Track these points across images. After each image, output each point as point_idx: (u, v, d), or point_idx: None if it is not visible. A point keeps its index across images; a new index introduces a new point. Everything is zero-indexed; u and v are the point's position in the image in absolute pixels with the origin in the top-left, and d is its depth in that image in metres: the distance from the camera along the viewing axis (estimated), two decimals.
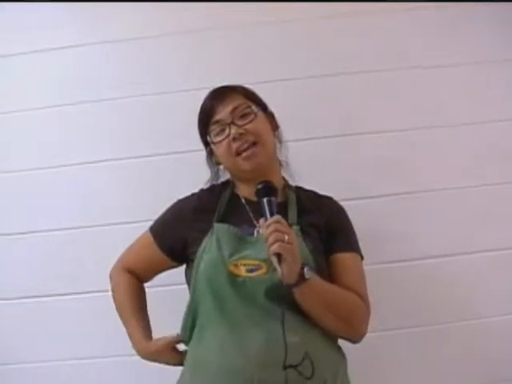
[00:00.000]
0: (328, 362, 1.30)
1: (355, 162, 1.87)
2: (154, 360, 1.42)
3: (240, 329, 1.28)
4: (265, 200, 1.27)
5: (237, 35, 1.93)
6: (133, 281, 1.50)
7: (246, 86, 1.48)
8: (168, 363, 1.41)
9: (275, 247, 1.19)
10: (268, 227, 1.22)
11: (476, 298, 1.82)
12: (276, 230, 1.21)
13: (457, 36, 1.94)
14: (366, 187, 1.85)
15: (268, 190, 1.29)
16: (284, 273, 1.20)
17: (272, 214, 1.25)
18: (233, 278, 1.30)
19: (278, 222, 1.23)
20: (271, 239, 1.20)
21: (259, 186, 1.30)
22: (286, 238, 1.20)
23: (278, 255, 1.19)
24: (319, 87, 1.90)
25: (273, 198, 1.27)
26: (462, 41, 1.94)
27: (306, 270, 1.24)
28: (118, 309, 1.49)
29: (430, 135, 1.88)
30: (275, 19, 1.92)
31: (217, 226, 1.37)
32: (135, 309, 1.47)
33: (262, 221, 1.25)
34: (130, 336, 1.44)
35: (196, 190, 1.50)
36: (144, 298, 1.51)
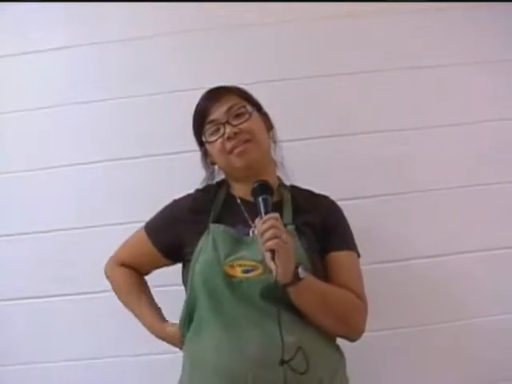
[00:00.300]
0: (325, 361, 1.30)
1: (351, 162, 1.87)
2: (168, 341, 1.44)
3: (236, 329, 1.28)
4: (260, 199, 1.27)
5: (234, 35, 1.92)
6: (130, 271, 1.50)
7: (243, 86, 1.48)
8: (180, 348, 1.42)
9: (271, 243, 1.19)
10: (264, 223, 1.21)
11: (471, 298, 1.81)
12: (273, 227, 1.20)
13: (457, 36, 1.93)
14: (361, 187, 1.85)
15: (264, 188, 1.29)
16: (278, 272, 1.20)
17: (267, 213, 1.24)
18: (229, 278, 1.30)
19: (275, 218, 1.22)
20: (267, 235, 1.20)
21: (255, 185, 1.30)
22: (284, 236, 1.20)
23: (272, 251, 1.19)
24: (317, 87, 1.90)
25: (269, 197, 1.27)
26: (462, 41, 1.93)
27: (300, 269, 1.24)
28: (123, 298, 1.50)
29: (427, 135, 1.87)
30: (272, 19, 1.92)
31: (212, 226, 1.37)
32: (140, 293, 1.49)
33: (257, 220, 1.25)
34: (142, 318, 1.46)
35: (190, 191, 1.50)
36: (146, 283, 1.52)
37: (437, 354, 1.79)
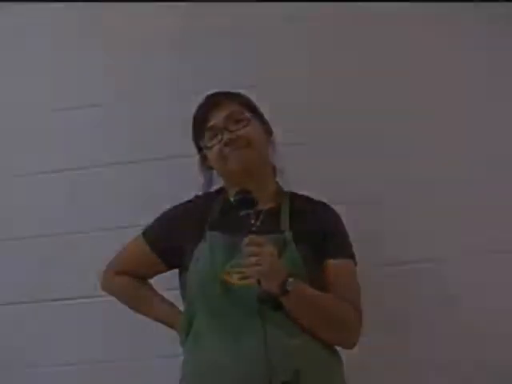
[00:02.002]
0: (322, 364, 1.30)
1: (356, 163, 1.84)
2: None
3: (235, 335, 1.28)
4: (242, 214, 1.27)
5: (240, 36, 1.93)
6: (129, 277, 1.49)
7: (243, 88, 1.49)
8: None
9: (250, 272, 1.22)
10: (244, 248, 1.23)
11: (482, 300, 1.76)
12: (251, 255, 1.21)
13: (457, 36, 1.91)
14: (370, 189, 1.82)
15: (246, 202, 1.28)
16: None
17: (250, 232, 1.26)
18: (225, 285, 1.30)
19: (253, 243, 1.22)
20: (246, 264, 1.22)
21: (237, 198, 1.30)
22: (254, 260, 1.20)
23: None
24: (320, 88, 1.89)
25: (250, 212, 1.28)
26: (463, 41, 1.91)
27: (288, 281, 1.24)
28: (133, 303, 1.50)
29: (432, 136, 1.84)
30: (276, 21, 1.93)
31: (209, 233, 1.37)
32: (152, 295, 1.49)
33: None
34: (165, 318, 1.46)
35: (190, 195, 1.50)
36: (150, 285, 1.51)
37: (444, 358, 1.74)
